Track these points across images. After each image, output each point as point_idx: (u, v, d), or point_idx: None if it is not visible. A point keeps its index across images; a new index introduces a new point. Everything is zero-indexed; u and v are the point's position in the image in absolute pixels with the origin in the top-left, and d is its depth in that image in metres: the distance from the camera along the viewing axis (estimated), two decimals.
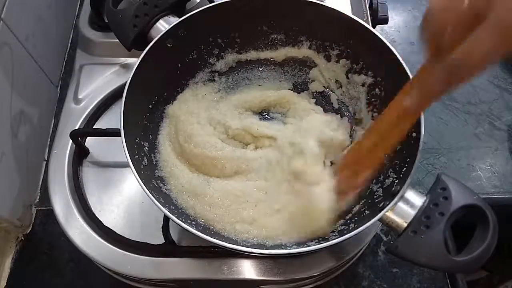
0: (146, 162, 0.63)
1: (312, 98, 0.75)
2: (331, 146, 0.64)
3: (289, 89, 0.76)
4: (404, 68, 0.59)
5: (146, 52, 0.63)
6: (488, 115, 0.92)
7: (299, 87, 0.77)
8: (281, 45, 0.75)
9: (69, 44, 0.98)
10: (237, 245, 0.52)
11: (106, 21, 0.82)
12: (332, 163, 0.64)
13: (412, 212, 0.51)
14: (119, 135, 0.56)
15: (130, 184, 0.72)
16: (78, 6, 1.01)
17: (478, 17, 0.34)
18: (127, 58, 0.83)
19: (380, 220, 0.51)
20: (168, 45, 0.67)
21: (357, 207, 0.60)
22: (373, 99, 0.69)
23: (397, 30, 1.06)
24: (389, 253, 0.50)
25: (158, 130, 0.69)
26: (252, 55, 0.77)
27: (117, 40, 0.68)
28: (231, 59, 0.76)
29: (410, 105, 0.45)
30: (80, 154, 0.73)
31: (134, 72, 0.60)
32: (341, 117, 0.73)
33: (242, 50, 0.76)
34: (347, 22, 0.65)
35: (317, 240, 0.57)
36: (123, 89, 0.59)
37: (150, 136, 0.67)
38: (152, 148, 0.67)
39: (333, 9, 0.66)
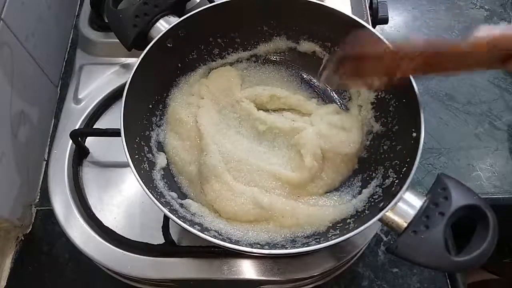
0: (146, 162, 0.63)
1: (314, 98, 0.75)
2: None
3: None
4: None
5: (146, 52, 0.63)
6: (488, 115, 0.92)
7: (301, 87, 0.77)
8: (282, 45, 0.75)
9: (69, 44, 0.98)
10: (237, 245, 0.52)
11: (106, 21, 0.81)
12: None
13: (412, 212, 0.51)
14: (119, 135, 0.56)
15: (130, 184, 0.72)
16: (78, 6, 1.01)
17: None
18: (127, 58, 0.82)
19: (380, 220, 0.51)
20: (168, 45, 0.67)
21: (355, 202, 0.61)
22: (373, 99, 0.69)
23: (397, 30, 1.06)
24: (389, 253, 0.50)
25: (159, 130, 0.69)
26: (252, 54, 0.77)
27: (117, 40, 0.68)
28: (231, 59, 0.76)
29: None
30: (80, 154, 0.73)
31: (134, 72, 0.60)
32: None
33: (242, 50, 0.76)
34: (347, 22, 0.65)
35: (317, 240, 0.57)
36: (123, 89, 0.59)
37: (150, 136, 0.67)
38: (153, 147, 0.67)
39: (333, 9, 0.66)
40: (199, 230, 0.51)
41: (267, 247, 0.58)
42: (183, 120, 0.68)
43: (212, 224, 0.60)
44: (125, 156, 0.54)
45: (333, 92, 0.75)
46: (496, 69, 0.49)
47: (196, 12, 0.66)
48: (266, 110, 0.73)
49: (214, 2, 0.69)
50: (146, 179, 0.58)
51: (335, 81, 0.59)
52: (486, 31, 0.46)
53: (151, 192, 0.53)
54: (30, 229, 0.77)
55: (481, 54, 0.47)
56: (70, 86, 0.80)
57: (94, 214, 0.67)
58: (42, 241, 0.76)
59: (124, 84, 0.60)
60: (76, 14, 1.00)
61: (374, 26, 0.83)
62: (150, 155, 0.65)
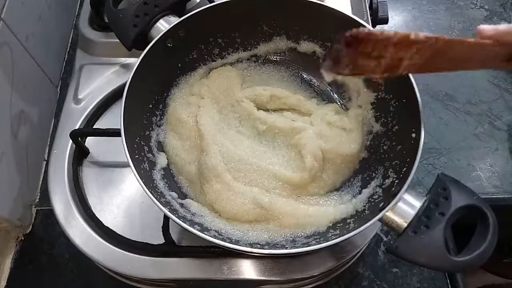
0: (146, 162, 0.63)
1: (314, 98, 0.75)
2: None
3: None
4: None
5: (146, 52, 0.63)
6: (488, 115, 0.92)
7: (301, 86, 0.77)
8: (282, 45, 0.75)
9: (69, 44, 0.98)
10: (237, 245, 0.52)
11: (106, 21, 0.82)
12: None
13: (412, 212, 0.51)
14: (119, 135, 0.56)
15: (130, 184, 0.72)
16: (78, 6, 1.01)
17: None
18: (127, 58, 0.82)
19: (380, 220, 0.51)
20: (169, 45, 0.67)
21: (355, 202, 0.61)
22: (373, 99, 0.68)
23: (397, 30, 1.05)
24: (389, 253, 0.50)
25: (159, 130, 0.69)
26: (253, 54, 0.77)
27: (117, 40, 0.68)
28: (231, 59, 0.76)
29: None
30: (80, 154, 0.73)
31: (134, 72, 0.60)
32: None
33: (243, 50, 0.76)
34: (348, 22, 0.65)
35: (317, 240, 0.57)
36: (123, 89, 0.59)
37: (150, 136, 0.67)
38: (153, 147, 0.67)
39: (333, 9, 0.66)
40: (199, 230, 0.51)
41: (267, 247, 0.58)
42: (183, 120, 0.68)
43: (212, 224, 0.60)
44: (125, 156, 0.55)
45: (333, 92, 0.76)
46: (503, 69, 0.48)
47: (196, 12, 0.66)
48: (266, 110, 0.73)
49: (214, 2, 0.69)
50: (146, 179, 0.59)
51: (336, 70, 0.53)
52: (491, 27, 0.45)
53: (151, 192, 0.53)
54: (30, 229, 0.77)
55: (486, 49, 0.46)
56: (70, 86, 0.80)
57: (94, 214, 0.67)
58: (42, 241, 0.76)
59: (124, 84, 0.60)
60: (76, 14, 1.00)
61: (374, 26, 0.83)
62: (150, 155, 0.65)
